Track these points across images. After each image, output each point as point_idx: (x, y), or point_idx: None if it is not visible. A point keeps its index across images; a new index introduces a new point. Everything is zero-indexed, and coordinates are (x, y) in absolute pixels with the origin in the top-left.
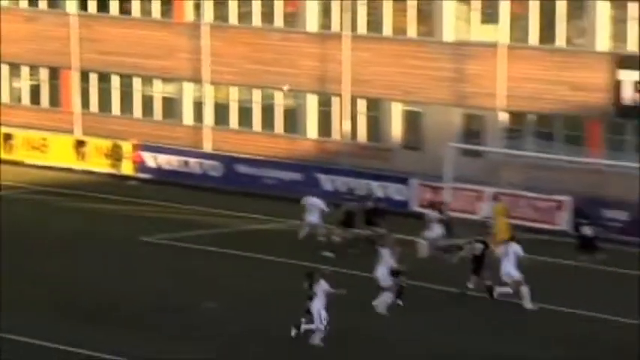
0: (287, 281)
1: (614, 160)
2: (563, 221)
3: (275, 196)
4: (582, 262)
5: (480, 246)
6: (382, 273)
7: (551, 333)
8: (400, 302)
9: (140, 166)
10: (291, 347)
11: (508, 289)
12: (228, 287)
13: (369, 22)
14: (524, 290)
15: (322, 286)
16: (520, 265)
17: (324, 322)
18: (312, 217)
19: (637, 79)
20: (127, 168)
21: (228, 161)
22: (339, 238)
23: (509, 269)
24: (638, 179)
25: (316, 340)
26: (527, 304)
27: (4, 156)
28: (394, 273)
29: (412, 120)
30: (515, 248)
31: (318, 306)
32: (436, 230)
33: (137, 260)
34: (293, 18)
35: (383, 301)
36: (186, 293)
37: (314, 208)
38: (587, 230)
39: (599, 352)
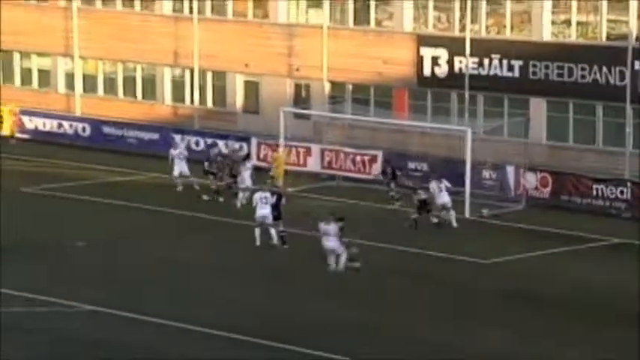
0: (141, 222)
1: (416, 122)
2: (376, 171)
3: (136, 153)
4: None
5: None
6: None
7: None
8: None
9: (19, 128)
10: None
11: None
12: (92, 228)
13: (214, 7)
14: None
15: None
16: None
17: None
18: (181, 167)
19: (434, 55)
20: (7, 129)
21: (96, 123)
22: (214, 185)
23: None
24: (436, 136)
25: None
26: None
27: None
28: None
29: (251, 89)
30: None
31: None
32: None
33: (19, 207)
34: (149, 2)
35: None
36: (59, 232)
37: (181, 157)
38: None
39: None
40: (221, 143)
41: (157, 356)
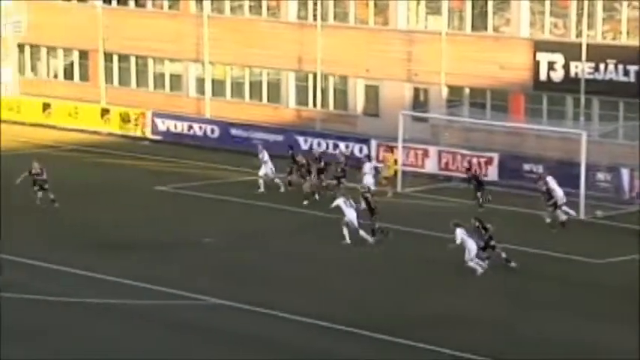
0: (265, 220)
1: (532, 124)
2: (492, 173)
3: None
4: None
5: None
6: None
7: None
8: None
9: (152, 129)
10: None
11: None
12: (220, 225)
13: (336, 14)
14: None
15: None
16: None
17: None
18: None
19: (551, 60)
20: (142, 131)
21: (224, 126)
22: (311, 186)
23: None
24: (551, 139)
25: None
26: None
27: (44, 121)
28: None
29: (372, 93)
30: None
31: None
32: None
33: (153, 205)
34: (276, 10)
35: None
36: (188, 229)
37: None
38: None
39: None
40: (342, 145)
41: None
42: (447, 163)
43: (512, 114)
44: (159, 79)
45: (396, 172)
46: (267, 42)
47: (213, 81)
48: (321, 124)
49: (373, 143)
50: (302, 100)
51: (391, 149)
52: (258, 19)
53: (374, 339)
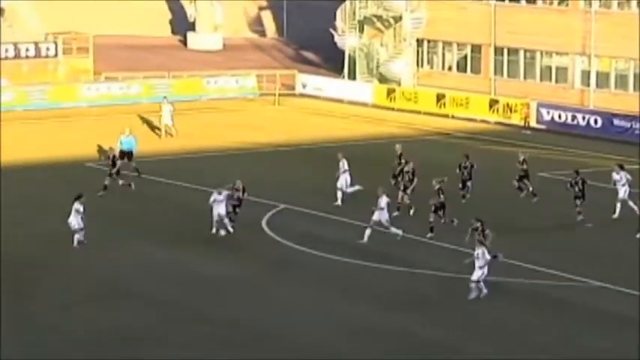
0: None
1: None
2: None
3: None
4: None
5: None
6: None
7: None
8: None
9: (537, 119)
10: None
11: None
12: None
13: None
14: None
15: None
16: None
17: None
18: None
19: None
20: (526, 121)
21: (607, 116)
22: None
23: None
24: None
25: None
26: None
27: (438, 111)
28: None
29: None
30: None
31: None
32: None
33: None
34: None
35: None
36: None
37: None
38: None
39: None
40: None
41: None
42: None
43: None
44: (545, 71)
45: None
46: None
47: (597, 73)
48: None
49: None
50: None
51: None
52: None
53: None
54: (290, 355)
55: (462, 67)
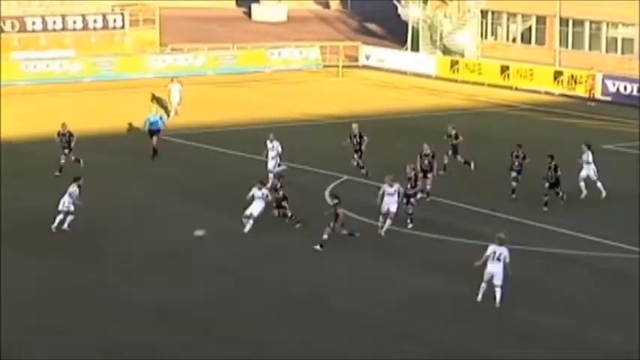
0: None
1: None
2: None
3: None
4: None
5: None
6: None
7: None
8: None
9: (602, 91)
10: None
11: None
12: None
13: None
14: None
15: None
16: None
17: None
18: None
19: None
20: (590, 92)
21: None
22: None
23: None
24: None
25: None
26: None
27: (502, 82)
28: None
29: None
30: None
31: None
32: None
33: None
34: None
35: None
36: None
37: None
38: None
39: None
40: None
41: None
42: None
43: None
44: (611, 42)
45: None
46: None
47: None
48: None
49: None
50: None
51: None
52: None
53: None
54: (349, 326)
55: (526, 38)
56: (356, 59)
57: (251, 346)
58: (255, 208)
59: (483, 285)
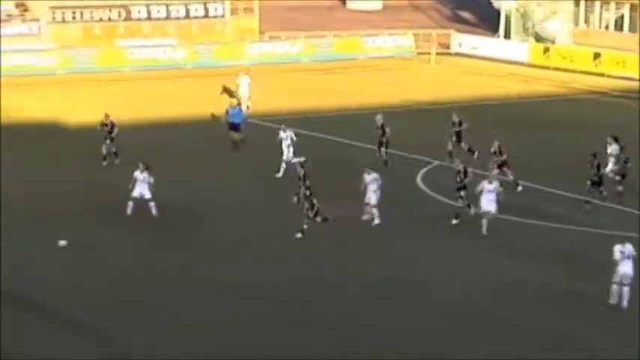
0: None
1: None
2: None
3: None
4: None
5: None
6: None
7: None
8: None
9: None
10: None
11: None
12: None
13: None
14: None
15: None
16: None
17: None
18: None
19: None
20: None
21: None
22: None
23: None
24: None
25: None
26: None
27: (594, 69)
28: None
29: None
30: None
31: None
32: None
33: None
34: None
35: None
36: None
37: None
38: None
39: None
40: None
41: None
42: None
43: None
44: None
45: None
46: None
47: None
48: None
49: None
50: None
51: None
52: None
53: None
54: (438, 308)
55: (619, 25)
56: (448, 47)
57: (346, 331)
58: (372, 197)
59: (615, 287)
